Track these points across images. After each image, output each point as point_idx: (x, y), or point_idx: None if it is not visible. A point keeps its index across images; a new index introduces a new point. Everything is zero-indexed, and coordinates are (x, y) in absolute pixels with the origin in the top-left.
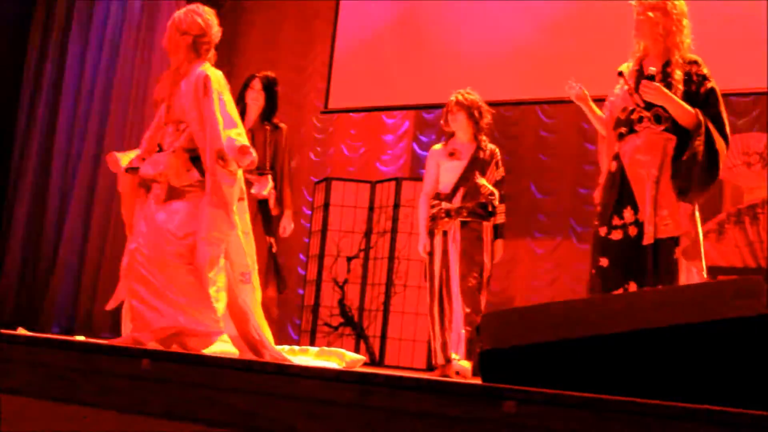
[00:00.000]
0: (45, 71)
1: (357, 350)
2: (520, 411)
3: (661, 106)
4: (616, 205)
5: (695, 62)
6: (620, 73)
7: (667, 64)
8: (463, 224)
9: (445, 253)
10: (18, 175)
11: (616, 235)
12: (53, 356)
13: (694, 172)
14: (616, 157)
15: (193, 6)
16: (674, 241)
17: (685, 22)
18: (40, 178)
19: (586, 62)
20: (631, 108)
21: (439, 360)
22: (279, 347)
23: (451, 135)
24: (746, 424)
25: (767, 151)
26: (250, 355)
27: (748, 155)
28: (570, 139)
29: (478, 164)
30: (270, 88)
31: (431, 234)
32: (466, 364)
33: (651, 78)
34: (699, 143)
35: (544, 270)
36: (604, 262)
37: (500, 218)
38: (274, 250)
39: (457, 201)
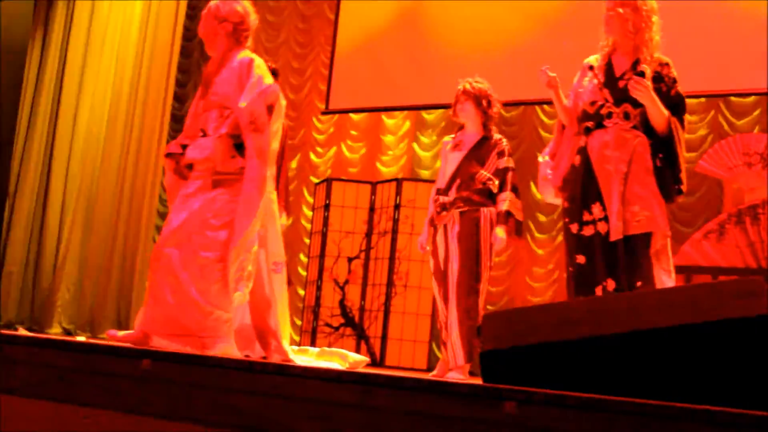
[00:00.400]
0: (46, 71)
1: (358, 351)
2: (520, 412)
3: (631, 103)
4: (583, 200)
5: (666, 64)
6: (591, 67)
7: (637, 61)
8: (462, 214)
9: (446, 248)
10: (19, 176)
11: (588, 230)
12: (53, 356)
13: (672, 176)
14: (582, 151)
15: None
16: (647, 237)
17: (654, 19)
18: (42, 179)
19: None
20: (600, 103)
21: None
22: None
23: (462, 126)
24: (746, 424)
25: None
26: (255, 346)
27: (749, 155)
28: None
29: (476, 155)
30: None
31: (435, 230)
32: (460, 377)
33: (642, 75)
34: (678, 149)
35: (544, 270)
36: (581, 259)
37: (503, 206)
38: None
39: (452, 193)
